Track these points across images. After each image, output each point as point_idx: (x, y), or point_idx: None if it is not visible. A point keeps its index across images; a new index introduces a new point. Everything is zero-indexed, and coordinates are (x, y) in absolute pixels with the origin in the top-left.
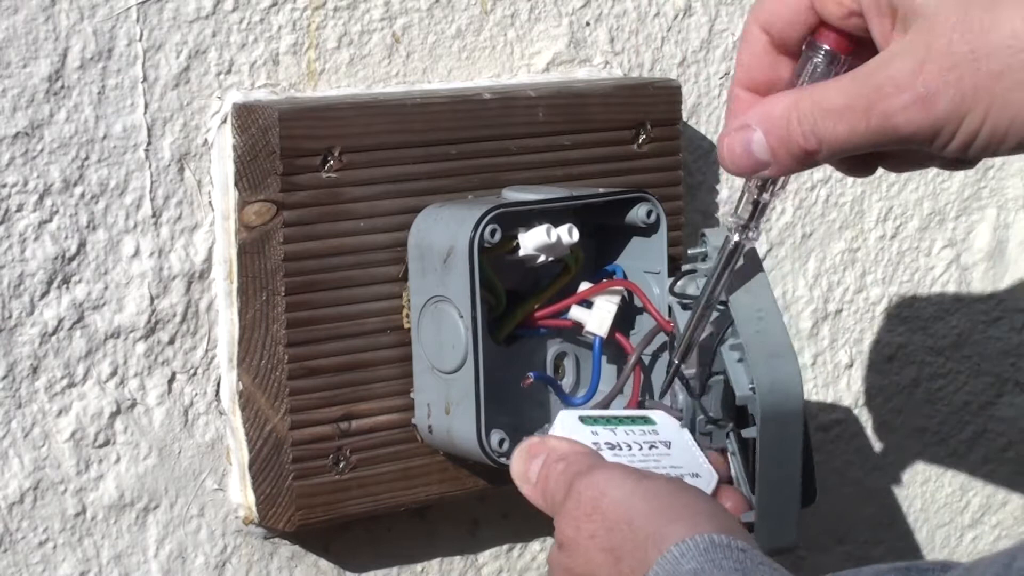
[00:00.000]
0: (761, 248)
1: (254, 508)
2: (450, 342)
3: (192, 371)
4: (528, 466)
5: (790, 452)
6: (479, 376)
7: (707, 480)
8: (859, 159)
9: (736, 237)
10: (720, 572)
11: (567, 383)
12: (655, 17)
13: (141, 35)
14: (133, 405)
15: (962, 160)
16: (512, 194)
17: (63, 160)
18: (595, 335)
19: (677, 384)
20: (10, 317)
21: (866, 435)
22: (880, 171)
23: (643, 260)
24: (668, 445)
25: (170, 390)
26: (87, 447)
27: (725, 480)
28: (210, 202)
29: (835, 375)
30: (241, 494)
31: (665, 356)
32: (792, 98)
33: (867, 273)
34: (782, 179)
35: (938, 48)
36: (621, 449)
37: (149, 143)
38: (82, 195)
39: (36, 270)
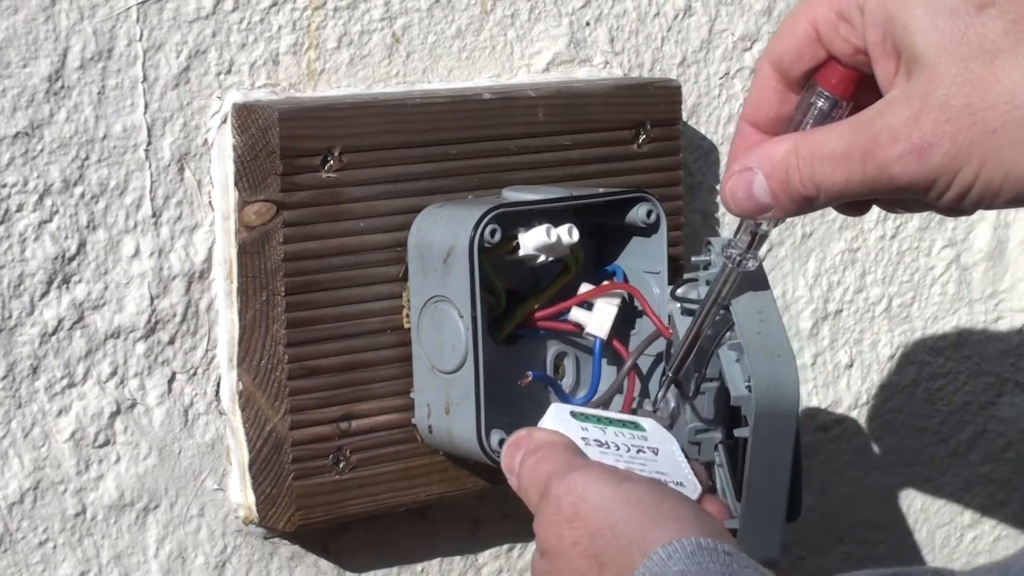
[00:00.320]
0: (761, 249)
1: (254, 508)
2: (450, 342)
3: (192, 371)
4: (514, 458)
5: (781, 456)
6: (479, 376)
7: (691, 490)
8: (854, 201)
9: (732, 265)
10: (707, 575)
11: (567, 383)
12: (655, 17)
13: (141, 35)
14: (133, 405)
15: (959, 210)
16: (512, 194)
17: (63, 160)
18: (595, 337)
19: (670, 392)
20: (10, 317)
21: (866, 435)
22: None
23: (643, 260)
24: (655, 452)
25: (170, 390)
26: (87, 447)
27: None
28: (210, 202)
29: (835, 375)
30: (241, 494)
31: (663, 361)
32: (792, 143)
33: (867, 273)
34: None
35: (935, 99)
36: (608, 448)
37: (149, 143)
38: (82, 195)
39: (36, 270)
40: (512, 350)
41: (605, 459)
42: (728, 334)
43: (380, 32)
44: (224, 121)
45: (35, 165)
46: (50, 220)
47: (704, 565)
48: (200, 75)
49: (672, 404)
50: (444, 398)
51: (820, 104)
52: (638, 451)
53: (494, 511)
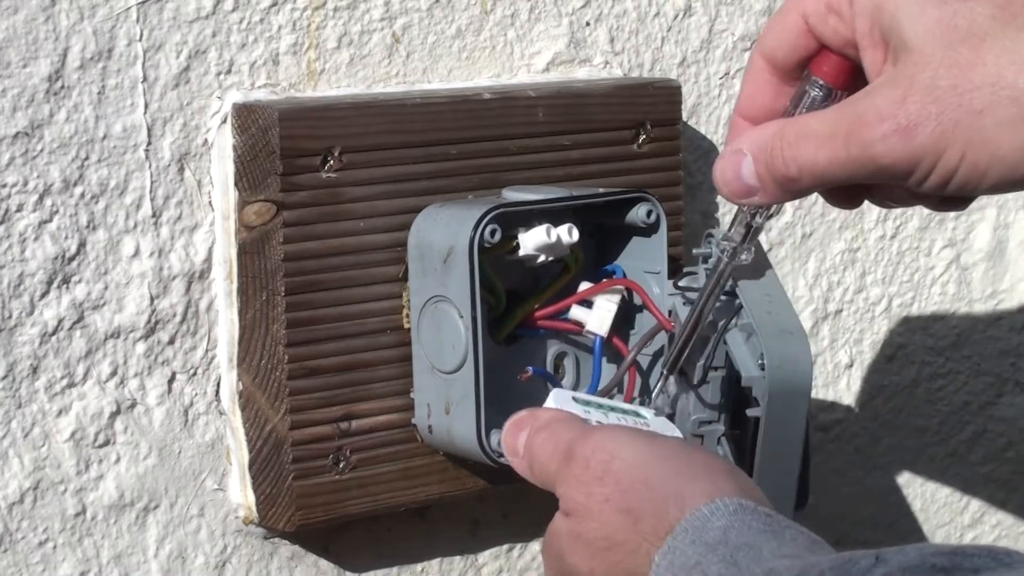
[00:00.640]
0: (756, 241)
1: (254, 508)
2: (450, 342)
3: (192, 371)
4: (516, 438)
5: (793, 436)
6: (479, 376)
7: None
8: (845, 191)
9: (727, 259)
10: (750, 531)
11: (567, 382)
12: (655, 17)
13: (141, 35)
14: (133, 405)
15: (945, 199)
16: (512, 194)
17: (63, 160)
18: (595, 335)
19: (669, 383)
20: (10, 317)
21: (866, 435)
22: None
23: (643, 260)
24: None
25: (170, 390)
26: (87, 447)
27: None
28: (210, 202)
29: (835, 375)
30: (241, 494)
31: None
32: (779, 125)
33: (867, 273)
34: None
35: (922, 81)
36: None
37: (149, 143)
38: (82, 195)
39: (36, 270)
40: (512, 350)
41: None
42: (734, 320)
43: (380, 32)
44: (224, 121)
45: (35, 165)
46: (50, 220)
47: (747, 522)
48: (200, 75)
49: (672, 392)
50: (444, 398)
51: (814, 93)
52: None
53: (494, 511)
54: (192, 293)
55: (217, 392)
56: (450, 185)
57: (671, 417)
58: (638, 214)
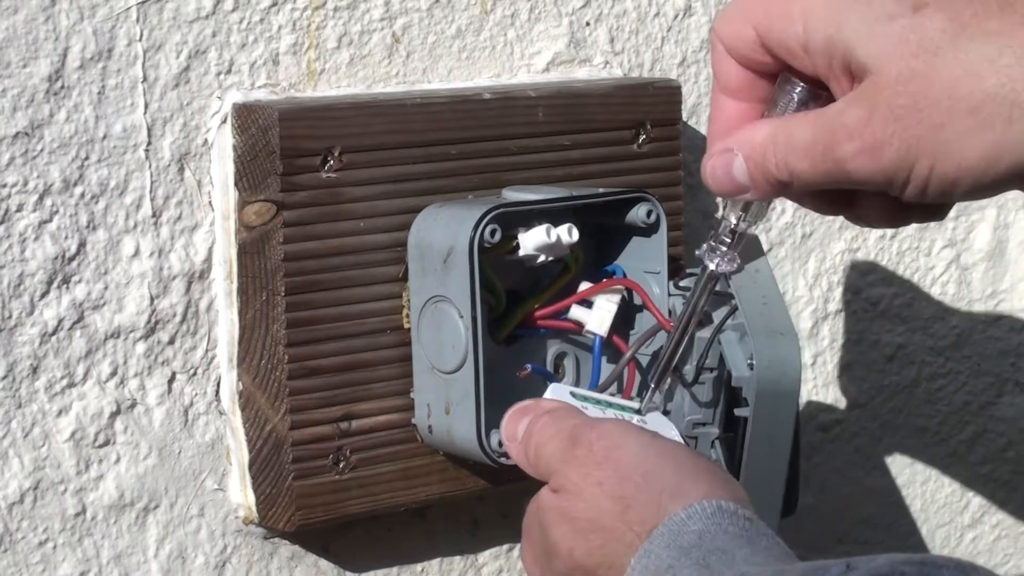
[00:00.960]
0: (738, 248)
1: (254, 508)
2: (450, 342)
3: (192, 371)
4: (518, 424)
5: (781, 438)
6: (479, 376)
7: None
8: (830, 199)
9: (713, 265)
10: (725, 536)
11: (567, 382)
12: (655, 17)
13: (141, 35)
14: (133, 405)
15: (929, 207)
16: (512, 194)
17: (63, 160)
18: (595, 334)
19: (658, 396)
20: (10, 317)
21: (866, 435)
22: None
23: (643, 260)
24: None
25: (170, 390)
26: (87, 447)
27: None
28: (210, 202)
29: (835, 375)
30: (241, 494)
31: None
32: (771, 129)
33: (867, 273)
34: (761, 207)
35: (883, 100)
36: None
37: (149, 143)
38: (82, 195)
39: (36, 270)
40: (512, 350)
41: None
42: (730, 320)
43: (380, 32)
44: (224, 121)
45: (35, 165)
46: (50, 220)
47: (723, 527)
48: (200, 75)
49: (659, 402)
50: (444, 398)
51: (796, 93)
52: None
53: (494, 511)
54: (192, 293)
55: (217, 392)
56: (450, 185)
57: (666, 415)
58: (638, 214)
